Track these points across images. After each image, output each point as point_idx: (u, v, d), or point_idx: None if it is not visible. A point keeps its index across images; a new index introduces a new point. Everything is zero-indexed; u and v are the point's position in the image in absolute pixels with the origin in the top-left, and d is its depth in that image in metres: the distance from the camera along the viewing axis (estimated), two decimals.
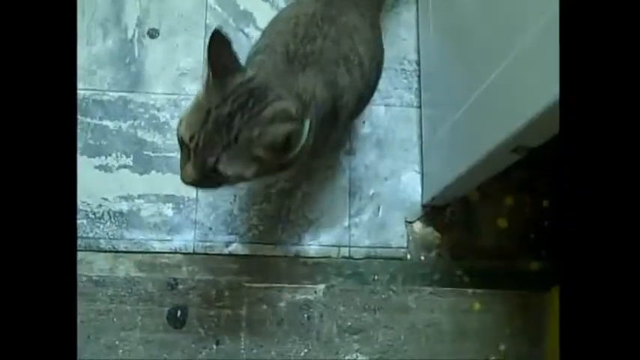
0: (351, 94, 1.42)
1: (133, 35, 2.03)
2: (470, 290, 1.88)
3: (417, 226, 1.93)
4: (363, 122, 1.96)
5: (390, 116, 2.01)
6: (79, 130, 1.93)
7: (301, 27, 1.37)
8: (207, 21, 2.05)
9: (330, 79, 1.33)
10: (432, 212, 1.93)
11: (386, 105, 1.96)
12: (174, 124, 1.91)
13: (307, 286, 1.87)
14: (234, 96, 1.08)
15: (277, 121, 1.08)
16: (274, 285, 1.87)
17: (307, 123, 1.18)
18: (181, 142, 1.13)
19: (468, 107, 1.49)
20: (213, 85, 1.10)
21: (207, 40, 1.09)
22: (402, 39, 2.08)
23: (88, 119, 1.94)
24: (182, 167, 1.13)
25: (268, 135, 1.07)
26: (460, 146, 1.61)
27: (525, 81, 1.10)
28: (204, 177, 1.12)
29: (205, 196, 1.90)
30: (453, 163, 1.64)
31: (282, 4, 2.04)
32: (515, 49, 1.15)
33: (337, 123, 1.42)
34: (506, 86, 1.24)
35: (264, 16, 2.01)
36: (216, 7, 2.06)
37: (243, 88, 1.10)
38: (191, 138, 1.08)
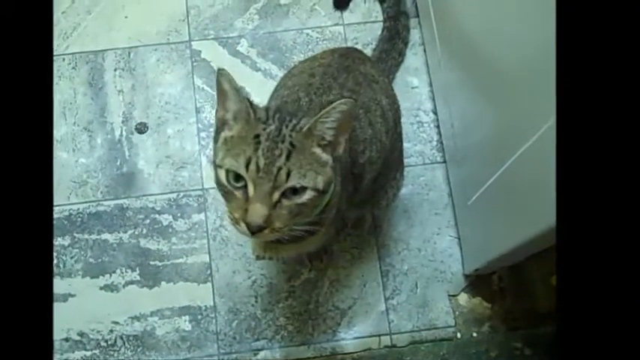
0: (375, 149, 1.32)
1: (121, 134, 1.87)
2: None
3: (463, 298, 1.74)
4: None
5: (413, 177, 1.81)
6: (77, 250, 1.78)
7: (317, 78, 1.30)
8: (198, 104, 1.88)
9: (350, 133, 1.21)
10: (477, 281, 1.73)
11: (406, 165, 1.74)
12: (179, 226, 1.79)
13: None
14: (274, 116, 1.03)
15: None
16: None
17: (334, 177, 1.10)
18: (230, 182, 1.02)
19: (506, 169, 1.30)
20: (253, 112, 1.03)
21: (217, 78, 1.02)
22: (412, 87, 1.90)
23: (86, 235, 1.78)
24: (241, 213, 1.01)
25: (322, 118, 1.00)
26: (500, 220, 1.43)
27: None
28: (275, 209, 1.00)
29: (224, 301, 1.74)
30: (495, 238, 1.45)
31: (277, 73, 1.86)
32: None
33: (360, 184, 1.33)
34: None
35: (259, 87, 1.86)
36: (205, 87, 1.90)
37: (278, 112, 1.05)
38: (247, 164, 0.98)
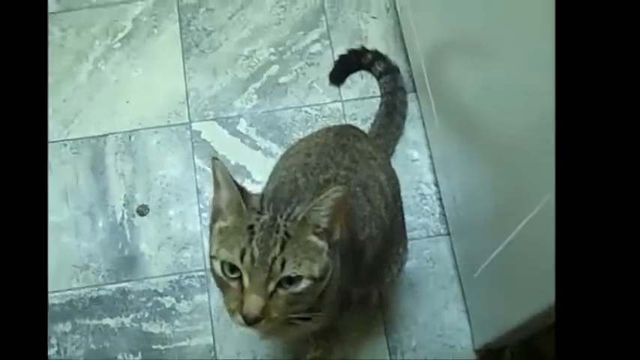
0: (374, 225, 1.31)
1: (122, 217, 1.85)
2: None
3: None
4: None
5: (418, 251, 1.78)
6: (78, 336, 1.74)
7: (314, 157, 1.31)
8: (199, 185, 1.88)
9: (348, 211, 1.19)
10: (488, 356, 1.68)
11: (410, 239, 1.72)
12: (182, 307, 1.76)
13: None
14: (269, 205, 1.02)
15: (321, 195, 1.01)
16: None
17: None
18: (225, 274, 1.01)
19: (511, 241, 1.27)
20: (245, 204, 1.02)
21: (213, 168, 1.02)
22: (412, 160, 1.89)
23: (87, 321, 1.75)
24: (237, 304, 1.00)
25: (316, 206, 1.00)
26: (508, 292, 1.39)
27: None
28: (271, 299, 0.99)
29: None
30: (503, 312, 1.42)
31: (277, 151, 1.86)
32: None
33: (361, 261, 1.30)
34: None
35: (260, 166, 1.87)
36: (205, 167, 1.90)
37: (272, 201, 1.05)
38: (242, 255, 0.97)
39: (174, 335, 1.75)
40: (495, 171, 1.37)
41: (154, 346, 1.74)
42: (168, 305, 1.78)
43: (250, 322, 0.99)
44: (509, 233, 1.27)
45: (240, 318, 0.99)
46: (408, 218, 1.70)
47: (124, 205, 1.89)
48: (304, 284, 1.00)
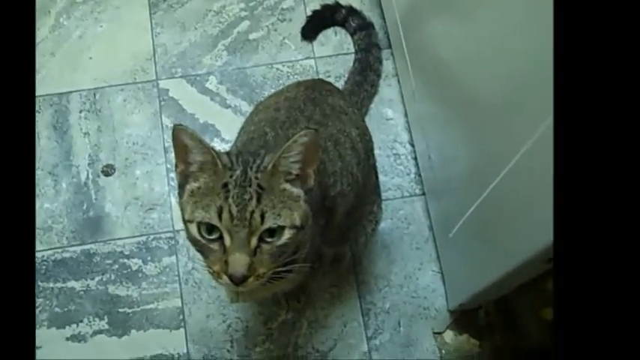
0: (346, 181, 1.27)
1: (87, 177, 1.80)
2: None
3: (448, 336, 1.66)
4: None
5: (392, 211, 1.74)
6: (41, 299, 1.69)
7: (283, 112, 1.28)
8: (166, 144, 1.82)
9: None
10: (463, 317, 1.65)
11: (385, 199, 1.68)
12: (149, 270, 1.71)
13: None
14: (237, 160, 0.99)
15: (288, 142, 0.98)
16: None
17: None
18: (203, 236, 0.97)
19: (485, 198, 1.24)
20: (220, 161, 0.98)
21: (175, 134, 0.97)
22: (387, 119, 1.85)
23: (51, 284, 1.69)
24: (221, 265, 0.97)
25: (284, 153, 0.97)
26: (483, 250, 1.36)
27: None
28: (256, 255, 0.96)
29: (198, 348, 1.66)
30: (478, 270, 1.39)
31: (247, 109, 1.80)
32: None
33: (333, 218, 1.27)
34: (535, 174, 1.00)
35: (229, 124, 1.81)
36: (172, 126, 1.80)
37: (241, 155, 1.02)
38: (220, 214, 0.94)
39: (142, 298, 1.70)
40: (471, 128, 1.34)
41: (120, 310, 1.69)
42: (134, 267, 1.73)
43: (237, 281, 0.96)
44: (484, 191, 1.24)
45: (226, 279, 0.96)
46: (382, 178, 1.67)
47: (88, 164, 1.83)
48: (287, 234, 0.97)
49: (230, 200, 0.94)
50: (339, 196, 1.26)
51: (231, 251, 0.95)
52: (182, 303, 1.69)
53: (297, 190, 1.00)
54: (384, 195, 1.65)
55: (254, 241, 0.95)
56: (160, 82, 1.90)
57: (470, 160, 1.38)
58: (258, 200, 0.94)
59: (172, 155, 1.69)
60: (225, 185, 0.96)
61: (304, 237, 1.05)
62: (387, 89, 1.89)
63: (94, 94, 1.88)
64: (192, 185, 1.00)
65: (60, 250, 1.74)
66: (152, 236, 1.75)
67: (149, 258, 1.73)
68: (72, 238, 1.75)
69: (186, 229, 0.99)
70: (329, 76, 1.88)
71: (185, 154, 0.98)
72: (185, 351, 1.65)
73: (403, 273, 1.72)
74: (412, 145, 1.81)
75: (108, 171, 1.81)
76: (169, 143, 1.82)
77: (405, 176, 1.79)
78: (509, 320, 1.64)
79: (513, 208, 1.15)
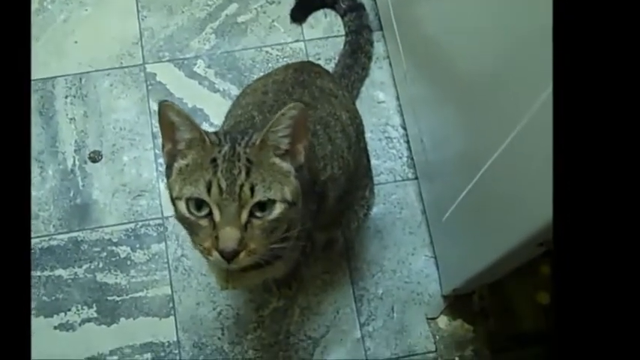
0: (337, 165, 1.25)
1: (74, 164, 1.76)
2: None
3: (442, 321, 1.64)
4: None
5: (385, 196, 1.72)
6: None
7: (270, 95, 1.26)
8: (154, 129, 1.78)
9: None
10: (457, 302, 1.63)
11: (377, 184, 1.65)
12: (138, 257, 1.68)
13: None
14: (225, 137, 0.98)
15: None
16: None
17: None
18: (192, 212, 0.95)
19: (478, 180, 1.22)
20: (208, 138, 0.97)
21: (162, 112, 0.96)
22: (379, 102, 1.82)
23: (38, 272, 1.67)
24: (211, 241, 0.95)
25: (272, 127, 0.95)
26: (476, 234, 1.34)
27: None
28: (247, 230, 0.94)
29: (188, 336, 1.63)
30: (472, 255, 1.37)
31: (236, 93, 1.76)
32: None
33: (324, 203, 1.25)
34: (528, 155, 0.98)
35: (218, 109, 1.77)
36: None
37: (229, 134, 1.00)
38: (209, 188, 0.92)
39: (130, 286, 1.67)
40: (464, 110, 1.31)
41: (109, 298, 1.66)
42: (123, 255, 1.70)
43: (228, 256, 0.93)
44: (476, 173, 1.22)
45: (217, 255, 0.94)
46: (374, 162, 1.64)
47: (75, 151, 1.79)
48: (279, 208, 0.95)
49: (219, 174, 0.92)
50: (330, 181, 1.24)
51: (222, 226, 0.92)
52: (172, 290, 1.66)
53: (286, 165, 0.98)
54: (376, 179, 1.63)
55: (244, 215, 0.93)
56: (147, 66, 1.87)
57: (462, 143, 1.36)
58: (248, 174, 0.93)
59: (161, 141, 1.68)
60: (214, 160, 0.94)
61: (296, 214, 1.02)
62: (379, 72, 1.86)
63: (80, 79, 1.84)
64: (180, 163, 0.98)
65: (47, 238, 1.70)
66: (141, 223, 1.72)
67: (138, 245, 1.70)
68: (59, 225, 1.72)
69: (175, 208, 0.97)
70: (319, 59, 1.85)
71: (172, 132, 0.97)
72: (175, 339, 1.63)
73: (396, 258, 1.69)
74: (404, 129, 1.79)
75: (95, 157, 1.77)
76: (157, 128, 1.77)
77: (398, 160, 1.76)
78: (504, 305, 1.62)
79: (507, 191, 1.13)
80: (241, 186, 0.92)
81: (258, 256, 0.98)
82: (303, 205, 1.09)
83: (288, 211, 0.97)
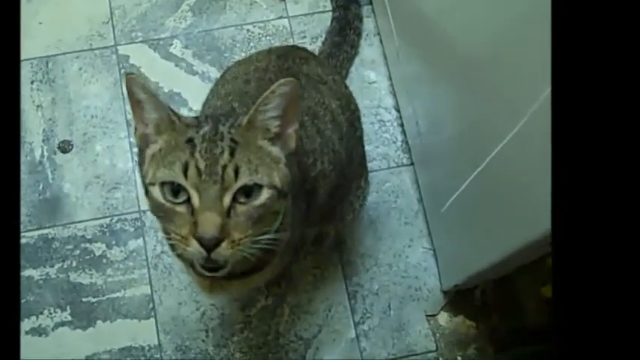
0: (327, 160, 1.16)
1: (42, 155, 1.66)
2: None
3: (443, 318, 1.55)
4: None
5: (378, 184, 1.62)
6: None
7: (253, 84, 1.16)
8: (129, 116, 1.68)
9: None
10: (458, 297, 1.54)
11: (370, 171, 1.55)
12: (114, 255, 1.58)
13: None
14: (206, 119, 0.90)
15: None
16: None
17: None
18: (167, 199, 0.85)
19: (484, 169, 1.13)
20: (177, 118, 0.88)
21: (128, 87, 0.87)
22: (369, 82, 1.73)
23: None
24: (189, 228, 0.84)
25: (261, 106, 0.87)
26: (481, 228, 1.25)
27: None
28: (230, 217, 0.84)
29: (170, 338, 1.53)
30: (475, 250, 1.28)
31: (216, 75, 1.67)
32: None
33: (314, 200, 1.16)
34: (543, 143, 0.87)
35: (197, 92, 1.64)
36: None
37: (210, 116, 0.92)
38: (185, 170, 0.83)
39: (107, 286, 1.57)
40: (464, 90, 1.21)
41: (84, 299, 1.56)
42: (98, 252, 1.60)
43: (209, 244, 0.82)
44: (482, 161, 1.12)
45: (195, 244, 0.83)
46: (366, 148, 1.53)
47: (43, 141, 1.68)
48: (266, 194, 0.86)
49: (197, 155, 0.83)
50: (320, 177, 1.15)
51: (201, 211, 0.82)
52: (151, 290, 1.56)
53: (276, 150, 0.90)
54: (369, 166, 1.53)
55: (227, 200, 0.83)
56: (119, 47, 1.75)
57: (464, 127, 1.26)
58: (232, 154, 0.84)
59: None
60: (190, 140, 0.85)
61: (284, 206, 0.93)
62: (369, 50, 1.75)
63: (47, 63, 1.73)
64: (152, 148, 0.89)
65: None
66: (116, 218, 1.62)
67: (114, 242, 1.60)
68: (28, 222, 1.61)
69: (149, 197, 0.87)
70: (304, 37, 1.74)
71: (140, 111, 0.88)
72: (156, 342, 1.53)
73: (392, 251, 1.60)
74: (398, 111, 1.68)
75: (65, 147, 1.67)
76: (131, 115, 1.67)
77: (391, 144, 1.67)
78: (507, 300, 1.54)
79: (517, 182, 1.03)
80: (224, 167, 0.82)
81: (241, 250, 0.86)
82: (294, 206, 1.00)
83: (276, 199, 0.87)
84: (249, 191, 0.84)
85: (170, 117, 0.86)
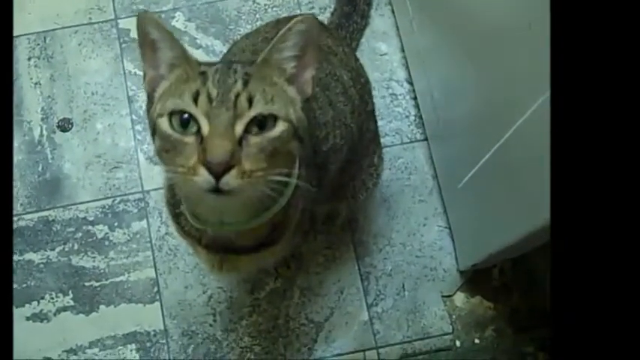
0: (339, 134, 1.12)
1: (41, 134, 1.61)
2: None
3: (459, 299, 1.51)
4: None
5: (390, 160, 1.57)
6: None
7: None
8: (130, 92, 1.63)
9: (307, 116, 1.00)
10: (475, 277, 1.50)
11: (382, 146, 1.49)
12: (117, 237, 1.53)
13: None
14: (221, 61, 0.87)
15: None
16: None
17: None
18: (176, 129, 0.80)
19: (503, 145, 1.10)
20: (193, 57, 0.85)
21: (140, 27, 0.83)
22: (381, 54, 1.68)
23: None
24: (197, 155, 0.77)
25: (277, 43, 0.83)
26: (500, 205, 1.20)
27: None
28: (242, 146, 0.78)
29: (176, 323, 1.49)
30: (494, 228, 1.23)
31: (221, 49, 1.62)
32: None
33: (326, 176, 1.12)
34: None
35: None
36: (137, 71, 1.66)
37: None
38: (195, 98, 0.78)
39: (110, 269, 1.53)
40: (482, 62, 1.17)
41: (86, 283, 1.52)
42: (100, 235, 1.55)
43: (218, 169, 0.76)
44: (503, 134, 1.08)
45: (203, 171, 0.76)
46: (378, 123, 1.47)
47: (42, 119, 1.63)
48: (281, 126, 0.81)
49: (209, 84, 0.80)
50: (332, 152, 1.11)
51: (211, 137, 0.77)
52: (156, 273, 1.52)
53: (292, 91, 0.86)
54: (381, 142, 1.46)
55: (239, 129, 0.78)
56: (119, 21, 1.70)
57: (483, 100, 1.21)
58: (245, 84, 0.80)
59: (138, 105, 1.53)
60: (203, 73, 0.82)
61: (297, 147, 0.87)
62: (380, 20, 1.69)
63: (44, 38, 1.68)
64: (162, 86, 0.86)
65: (14, 219, 1.55)
66: (119, 199, 1.57)
67: (116, 224, 1.56)
68: (27, 204, 1.57)
69: (156, 130, 0.82)
70: (312, 8, 1.69)
71: (153, 52, 0.84)
72: (162, 327, 1.49)
73: (405, 230, 1.55)
74: (410, 84, 1.63)
75: (64, 126, 1.62)
76: (134, 91, 1.64)
77: (404, 119, 1.61)
78: (527, 279, 1.50)
79: (538, 158, 0.96)
80: (237, 95, 0.79)
81: (251, 184, 0.80)
82: (306, 174, 0.97)
83: (292, 138, 0.83)
84: (262, 124, 0.79)
85: (185, 54, 0.83)
